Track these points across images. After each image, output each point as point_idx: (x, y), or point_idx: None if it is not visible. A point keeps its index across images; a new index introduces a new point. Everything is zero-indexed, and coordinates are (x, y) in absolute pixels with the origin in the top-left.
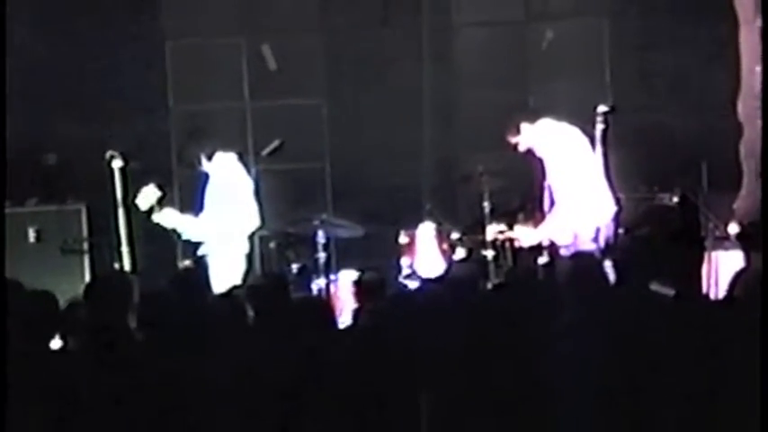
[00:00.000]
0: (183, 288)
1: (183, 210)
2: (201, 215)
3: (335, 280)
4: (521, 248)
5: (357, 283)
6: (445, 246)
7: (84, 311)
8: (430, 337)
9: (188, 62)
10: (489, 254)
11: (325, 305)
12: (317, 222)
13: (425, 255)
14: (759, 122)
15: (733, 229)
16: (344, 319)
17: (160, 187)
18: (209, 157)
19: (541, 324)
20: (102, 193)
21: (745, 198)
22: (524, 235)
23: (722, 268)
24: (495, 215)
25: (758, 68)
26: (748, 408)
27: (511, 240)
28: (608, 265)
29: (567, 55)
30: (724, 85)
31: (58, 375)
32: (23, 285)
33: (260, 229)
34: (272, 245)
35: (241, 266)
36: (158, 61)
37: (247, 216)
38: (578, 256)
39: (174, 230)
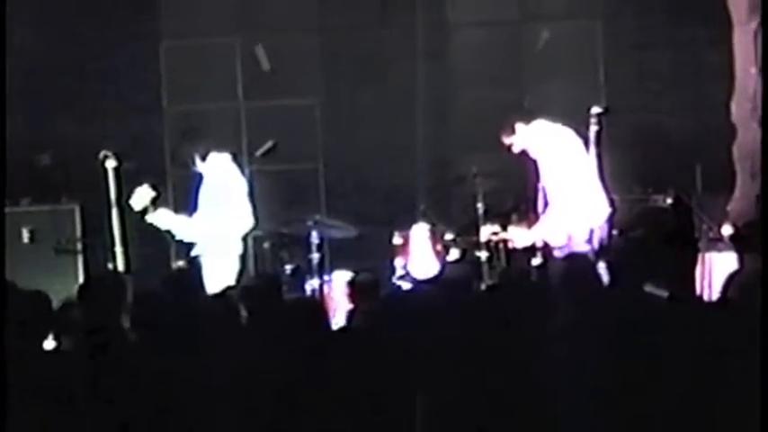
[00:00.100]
0: (177, 288)
1: (176, 210)
2: (195, 215)
3: (329, 281)
4: (514, 249)
5: (351, 284)
6: (439, 247)
7: (77, 312)
8: (424, 339)
9: (182, 62)
10: (483, 255)
11: (318, 306)
12: (310, 223)
13: (419, 256)
14: (753, 124)
15: (727, 230)
16: (338, 320)
17: (154, 188)
18: (203, 158)
19: (535, 325)
20: (95, 194)
21: (739, 200)
22: (518, 236)
23: (716, 270)
24: (489, 216)
25: (753, 70)
26: (744, 409)
27: (505, 241)
28: (602, 266)
29: (561, 56)
30: (718, 87)
31: (52, 375)
32: (17, 285)
33: (254, 229)
34: (265, 245)
35: (235, 267)
36: (153, 61)
37: (241, 217)
38: (572, 257)
39: (167, 231)
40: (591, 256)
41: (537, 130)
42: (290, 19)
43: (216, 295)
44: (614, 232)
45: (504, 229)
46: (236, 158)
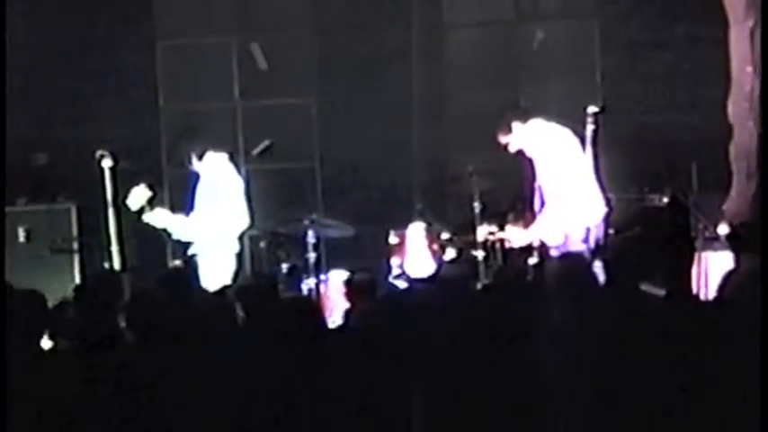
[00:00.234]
0: (173, 288)
1: (173, 209)
2: (192, 215)
3: (325, 280)
4: (511, 249)
5: (347, 284)
6: (435, 246)
7: (73, 311)
8: (420, 338)
9: (179, 62)
10: (479, 254)
11: (314, 305)
12: (307, 222)
13: (415, 255)
14: (750, 123)
15: (723, 229)
16: (335, 319)
17: (151, 187)
18: (200, 157)
19: (532, 324)
20: (92, 193)
21: (735, 199)
22: (515, 236)
23: (712, 269)
24: (486, 215)
25: (749, 69)
26: (742, 408)
27: (501, 241)
28: (598, 265)
29: (557, 55)
30: (714, 86)
31: (48, 375)
32: (13, 285)
33: (250, 228)
34: (262, 244)
35: (231, 266)
36: (149, 61)
37: (237, 216)
38: (568, 256)
39: (164, 230)
40: (587, 255)
41: (533, 129)
42: (286, 18)
43: (212, 294)
44: (611, 231)
45: (501, 228)
46: (232, 158)
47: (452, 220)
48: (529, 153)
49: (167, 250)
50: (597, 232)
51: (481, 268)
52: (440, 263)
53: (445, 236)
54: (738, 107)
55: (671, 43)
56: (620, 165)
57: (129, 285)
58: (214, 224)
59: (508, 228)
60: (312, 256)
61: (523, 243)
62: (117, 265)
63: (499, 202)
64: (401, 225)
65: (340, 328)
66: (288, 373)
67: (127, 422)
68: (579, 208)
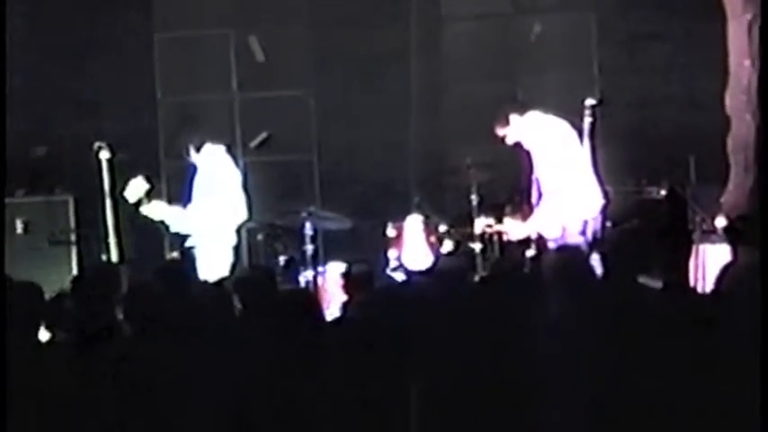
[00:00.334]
0: (170, 280)
1: (170, 201)
2: (189, 207)
3: (323, 272)
4: (509, 241)
5: (345, 276)
6: (433, 238)
7: (71, 303)
8: (417, 330)
9: (176, 54)
10: (477, 246)
11: (312, 297)
12: (304, 214)
13: (413, 247)
14: (747, 116)
15: (720, 222)
16: (332, 312)
17: (148, 179)
18: (198, 149)
19: (529, 317)
20: (89, 185)
21: (733, 192)
22: (512, 228)
23: (709, 261)
24: (483, 208)
25: (746, 62)
26: (740, 401)
27: (499, 233)
28: (596, 258)
29: (555, 48)
30: (712, 79)
31: (45, 367)
32: (10, 276)
33: (248, 221)
34: (259, 237)
35: (228, 258)
36: (147, 53)
37: (235, 208)
38: (565, 249)
39: (162, 222)
40: (585, 247)
41: (531, 121)
42: (283, 10)
43: (210, 286)
44: (608, 224)
45: (499, 220)
46: (230, 150)
47: (450, 213)
48: (526, 145)
49: (165, 242)
50: (595, 225)
51: (479, 261)
52: (437, 255)
53: (443, 228)
54: (736, 100)
55: (668, 36)
56: (617, 157)
57: (126, 277)
58: (211, 216)
59: (506, 220)
60: (309, 248)
61: (521, 235)
62: (114, 257)
63: (497, 195)
64: (399, 217)
65: (337, 320)
66: (285, 365)
67: (125, 414)
68: (577, 200)
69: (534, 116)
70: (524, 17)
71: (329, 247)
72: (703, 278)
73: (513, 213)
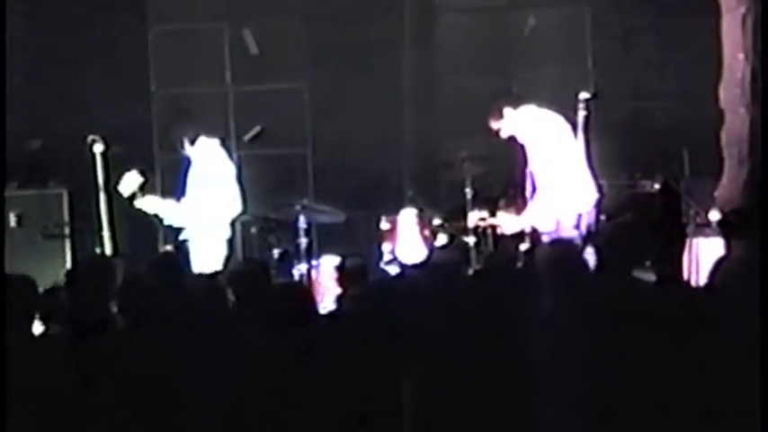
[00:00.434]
0: (163, 273)
1: (164, 195)
2: (183, 200)
3: (317, 265)
4: (503, 235)
5: (339, 269)
6: (427, 232)
7: (65, 296)
8: (411, 323)
9: (170, 47)
10: (471, 240)
11: (306, 291)
12: (298, 208)
13: (407, 241)
14: (741, 110)
15: (714, 216)
16: (326, 305)
17: (142, 173)
18: (192, 142)
19: (523, 310)
20: (83, 178)
21: (727, 185)
22: (506, 222)
23: (703, 255)
24: (477, 201)
25: (740, 56)
26: (732, 393)
27: (493, 227)
28: (590, 251)
29: (549, 41)
30: (705, 73)
31: (39, 360)
32: (4, 270)
33: (242, 214)
34: (253, 230)
35: (222, 251)
36: (141, 46)
37: (229, 201)
38: (559, 242)
39: (155, 216)
40: (579, 241)
41: (525, 115)
42: (277, 3)
43: (204, 279)
44: (602, 217)
45: (493, 214)
46: (224, 143)
47: (444, 206)
48: (520, 139)
49: (159, 235)
50: (589, 218)
51: (472, 254)
52: (431, 249)
53: (437, 222)
54: (730, 94)
55: (663, 29)
56: (611, 151)
57: (120, 271)
58: (205, 210)
59: (500, 214)
60: (303, 241)
61: (515, 229)
62: (108, 250)
63: (491, 188)
64: (393, 211)
65: (331, 313)
66: (279, 358)
67: (119, 407)
68: (571, 194)
69: (528, 110)
70: (519, 10)
71: (323, 241)
72: (697, 272)
73: (507, 207)
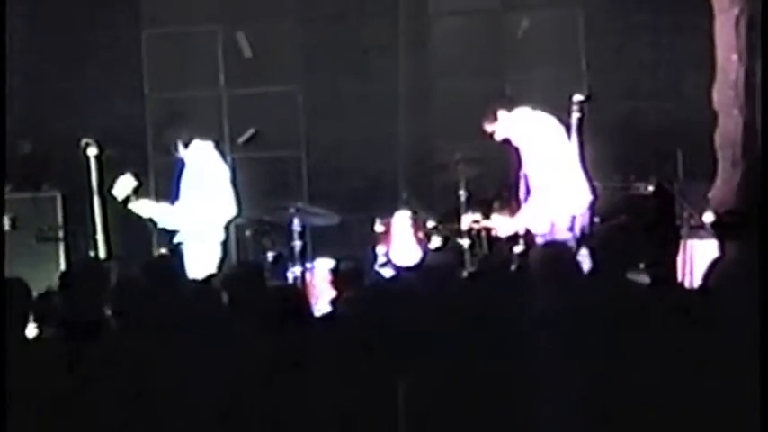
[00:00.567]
0: (158, 276)
1: (158, 198)
2: (177, 203)
3: (311, 268)
4: (497, 237)
5: (333, 272)
6: (421, 234)
7: (59, 299)
8: (405, 326)
9: (164, 50)
10: (465, 242)
11: (300, 293)
12: (292, 210)
13: (401, 243)
14: (735, 111)
15: (708, 218)
16: (320, 308)
17: (136, 176)
18: (186, 145)
19: (518, 312)
20: (77, 181)
21: (721, 187)
22: (501, 224)
23: (697, 257)
24: (472, 203)
25: (734, 57)
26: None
27: (487, 229)
28: (584, 253)
29: (543, 44)
30: (699, 75)
31: (33, 363)
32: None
33: (236, 217)
34: (247, 233)
35: (217, 254)
36: (134, 49)
37: (223, 204)
38: (553, 244)
39: (149, 219)
40: (573, 243)
41: (519, 117)
42: (271, 6)
43: (198, 283)
44: (596, 220)
45: (487, 216)
46: (218, 146)
47: (438, 209)
48: (515, 141)
49: (153, 239)
50: (583, 220)
51: (467, 256)
52: (425, 251)
53: (431, 224)
54: (723, 95)
55: (656, 31)
56: (605, 153)
57: (114, 274)
58: (200, 213)
59: (494, 216)
60: (298, 244)
61: (509, 231)
62: (102, 253)
63: (485, 191)
64: (387, 213)
65: (326, 316)
66: (273, 361)
67: (113, 410)
68: (565, 196)
69: (522, 112)
70: (512, 13)
71: (317, 243)
72: (691, 273)
73: (501, 209)
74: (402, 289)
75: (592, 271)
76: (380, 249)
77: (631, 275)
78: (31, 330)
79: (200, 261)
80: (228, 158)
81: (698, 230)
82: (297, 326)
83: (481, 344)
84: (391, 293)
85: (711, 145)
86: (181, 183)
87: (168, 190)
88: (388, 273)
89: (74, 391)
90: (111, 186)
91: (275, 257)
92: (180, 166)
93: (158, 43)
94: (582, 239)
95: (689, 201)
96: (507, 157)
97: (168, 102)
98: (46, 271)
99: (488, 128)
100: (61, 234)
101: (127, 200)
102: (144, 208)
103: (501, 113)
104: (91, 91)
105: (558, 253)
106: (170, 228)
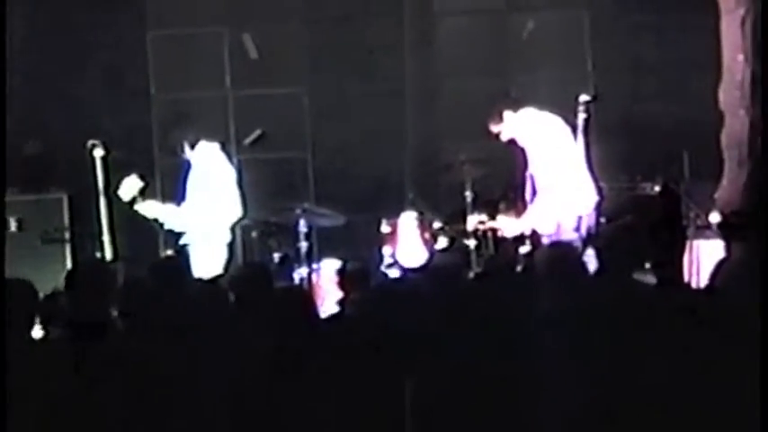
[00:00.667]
0: (164, 277)
1: (164, 199)
2: (183, 205)
3: (318, 269)
4: (503, 237)
5: (339, 273)
6: (427, 235)
7: (65, 300)
8: (412, 327)
9: (170, 51)
10: (471, 243)
11: (306, 294)
12: (298, 211)
13: (407, 244)
14: (741, 112)
15: (714, 218)
16: (327, 309)
17: (142, 177)
18: (192, 146)
19: (524, 313)
20: (83, 183)
21: (727, 187)
22: (507, 225)
23: (703, 257)
24: (478, 204)
25: (740, 58)
26: (733, 396)
27: (493, 229)
28: (590, 254)
29: (548, 44)
30: (705, 75)
31: (39, 364)
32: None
33: (242, 218)
34: (254, 234)
35: (223, 256)
36: (140, 51)
37: (229, 206)
38: (559, 245)
39: (156, 220)
40: (579, 243)
41: (525, 118)
42: (277, 8)
43: (204, 284)
44: (602, 220)
45: (493, 217)
46: (224, 147)
47: (444, 209)
48: (520, 142)
49: (159, 240)
50: (589, 221)
51: (473, 257)
52: (432, 252)
53: (437, 225)
54: (730, 96)
55: (662, 32)
56: (611, 153)
57: (121, 275)
58: (206, 214)
59: (500, 217)
60: (304, 245)
61: (515, 232)
62: (109, 254)
63: (491, 191)
64: (393, 214)
65: (332, 317)
66: (280, 362)
67: (119, 411)
68: (571, 197)
69: (528, 113)
70: (518, 14)
71: (323, 244)
72: (697, 274)
73: (507, 210)
74: (408, 290)
75: (598, 271)
76: (387, 250)
77: (637, 276)
78: (38, 332)
79: (207, 262)
80: (234, 159)
81: (704, 231)
82: (303, 327)
83: (487, 344)
84: (397, 294)
85: (718, 145)
86: (187, 184)
87: (174, 191)
88: (394, 273)
89: (80, 392)
90: (118, 187)
91: (281, 258)
92: (186, 167)
93: (164, 44)
94: (588, 240)
95: (695, 201)
96: (513, 157)
97: (174, 103)
98: (52, 272)
99: (494, 128)
100: (67, 235)
101: (133, 201)
102: (150, 209)
103: (507, 114)
104: (97, 92)
105: (564, 253)
106: (176, 229)
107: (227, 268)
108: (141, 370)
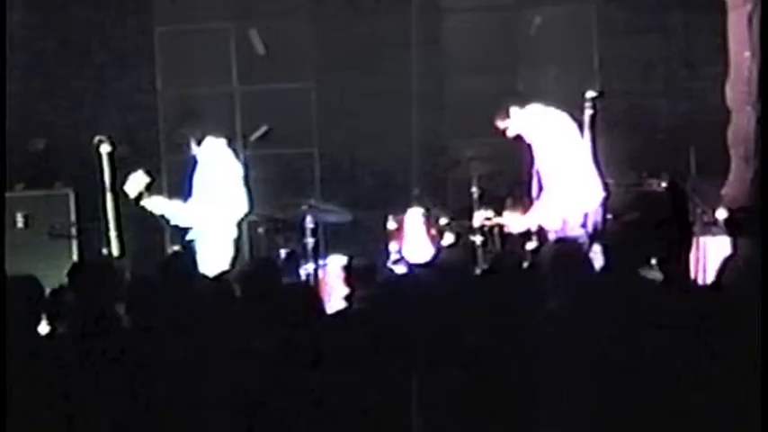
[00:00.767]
0: (171, 273)
1: (171, 195)
2: (190, 201)
3: (324, 265)
4: (509, 234)
5: (346, 269)
6: (434, 231)
7: (71, 296)
8: (418, 323)
9: (177, 47)
10: (478, 239)
11: (313, 290)
12: (305, 207)
13: (414, 240)
14: (747, 108)
15: (721, 214)
16: (333, 305)
17: (149, 173)
18: (199, 142)
19: (530, 309)
20: (90, 179)
21: (734, 184)
22: (513, 221)
23: (710, 253)
24: (484, 200)
25: (747, 54)
26: (738, 393)
27: (499, 226)
28: (596, 250)
29: (555, 40)
30: (712, 71)
31: (46, 360)
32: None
33: (248, 214)
34: (260, 230)
35: (229, 252)
36: (148, 47)
37: (236, 201)
38: (566, 241)
39: (162, 216)
40: (585, 240)
41: (531, 114)
42: (284, 3)
43: (211, 280)
44: (609, 216)
45: (499, 213)
46: (230, 143)
47: (451, 205)
48: (527, 138)
49: (166, 236)
50: (595, 217)
51: (479, 253)
52: (438, 248)
53: (443, 221)
54: (736, 92)
55: (669, 28)
56: (618, 150)
57: (127, 271)
58: (212, 210)
59: (507, 213)
60: (310, 241)
61: (522, 228)
62: (115, 250)
63: (497, 187)
64: (399, 210)
65: (339, 313)
66: (286, 358)
67: (125, 406)
68: (577, 193)
69: (535, 109)
70: (525, 10)
71: (330, 240)
72: (704, 270)
73: (513, 206)
74: (415, 286)
75: (604, 268)
76: (393, 246)
77: (644, 272)
78: (44, 327)
79: (213, 258)
80: (241, 155)
81: (711, 227)
82: (310, 323)
83: (494, 340)
84: (404, 290)
85: (724, 141)
86: (193, 180)
87: (181, 187)
88: (400, 270)
89: (86, 388)
90: (124, 183)
91: (288, 254)
92: (193, 163)
93: (171, 40)
94: (594, 236)
95: (702, 197)
96: (520, 153)
97: (181, 99)
98: (58, 268)
99: (501, 124)
100: (74, 231)
101: (139, 197)
102: (157, 205)
103: (513, 110)
104: (104, 88)
105: (570, 250)
106: (183, 225)
107: (233, 264)
108: (147, 365)
